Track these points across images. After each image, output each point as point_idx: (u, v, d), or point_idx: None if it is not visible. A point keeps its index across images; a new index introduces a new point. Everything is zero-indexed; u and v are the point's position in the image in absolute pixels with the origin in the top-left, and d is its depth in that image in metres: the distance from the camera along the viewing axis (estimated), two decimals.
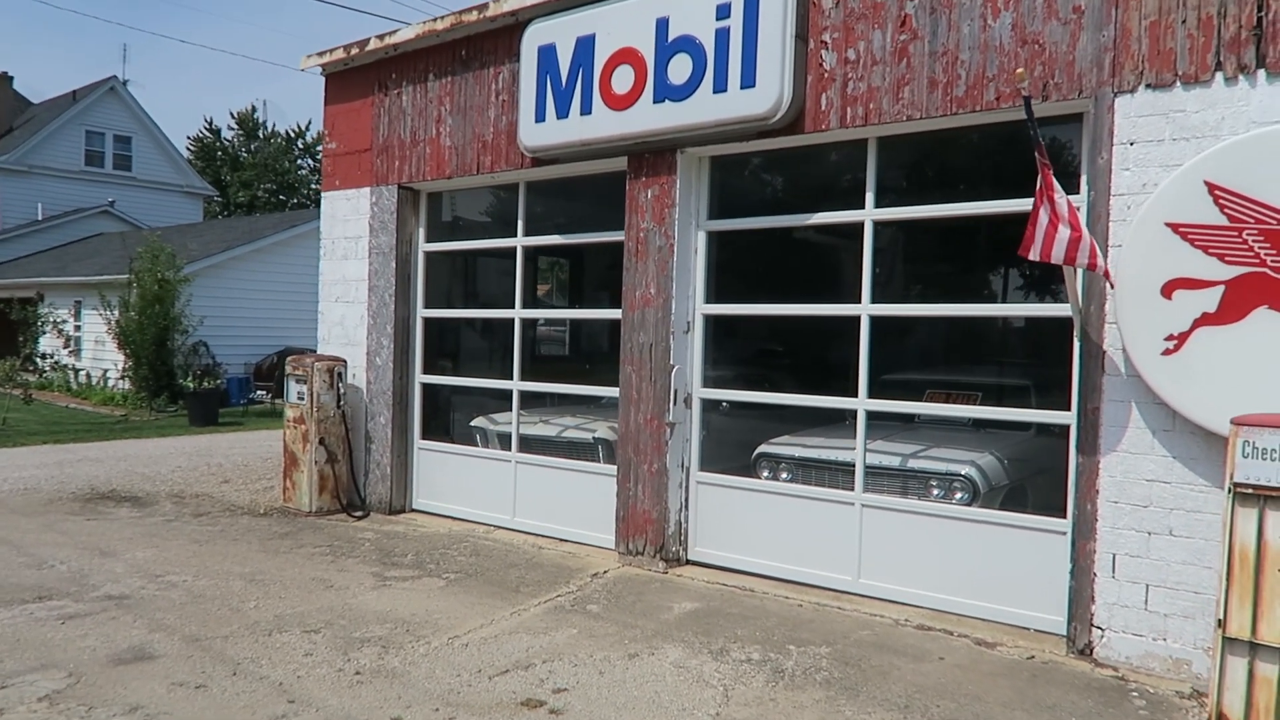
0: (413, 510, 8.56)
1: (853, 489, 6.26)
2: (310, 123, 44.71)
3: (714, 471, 6.80)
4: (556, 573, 6.51)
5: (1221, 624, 3.89)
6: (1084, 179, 5.12)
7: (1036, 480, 6.82)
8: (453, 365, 9.30)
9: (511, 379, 7.99)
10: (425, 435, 8.62)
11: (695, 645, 5.03)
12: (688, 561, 6.75)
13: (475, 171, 7.76)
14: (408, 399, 8.54)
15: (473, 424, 8.76)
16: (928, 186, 5.94)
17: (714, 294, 6.78)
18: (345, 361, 8.61)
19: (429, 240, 8.56)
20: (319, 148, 42.33)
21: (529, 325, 9.00)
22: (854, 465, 6.49)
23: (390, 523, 8.10)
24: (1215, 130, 4.59)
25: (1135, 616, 4.80)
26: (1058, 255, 4.50)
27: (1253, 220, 4.35)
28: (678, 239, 6.58)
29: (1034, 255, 4.56)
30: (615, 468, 7.15)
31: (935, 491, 6.27)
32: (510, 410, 8.60)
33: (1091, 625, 4.92)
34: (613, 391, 7.67)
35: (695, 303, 6.72)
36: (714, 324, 6.85)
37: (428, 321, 8.60)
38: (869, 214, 5.94)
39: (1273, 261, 4.30)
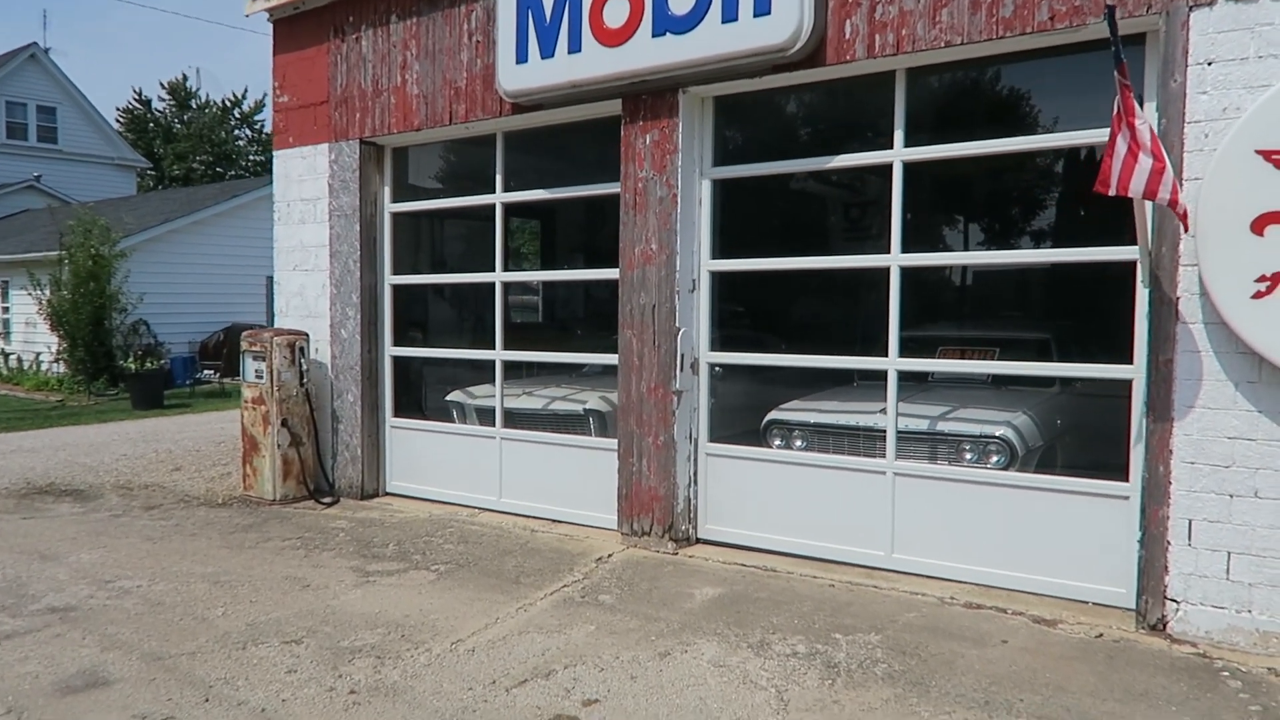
0: (387, 494, 7.89)
1: (881, 455, 5.75)
2: (246, 91, 42.94)
3: (724, 442, 6.24)
4: (557, 559, 5.92)
5: None
6: (1152, 106, 4.60)
7: (1065, 440, 6.40)
8: (425, 336, 8.60)
9: (493, 348, 7.32)
10: (398, 413, 7.93)
11: (730, 639, 4.48)
12: (698, 540, 6.21)
13: (447, 122, 7.04)
14: (378, 374, 7.84)
15: (449, 398, 8.10)
16: (965, 123, 5.38)
17: (720, 249, 6.18)
18: (307, 335, 7.86)
19: (396, 200, 7.82)
20: (258, 116, 40.75)
21: (510, 290, 8.33)
22: (877, 430, 5.99)
23: (364, 509, 7.43)
24: None
25: (1215, 587, 4.36)
26: (1137, 188, 3.97)
27: None
28: (681, 188, 5.95)
29: (1111, 189, 4.04)
30: (612, 441, 6.57)
31: (968, 455, 5.79)
32: (488, 383, 7.99)
33: (1165, 598, 4.47)
34: (600, 359, 7.09)
35: (700, 258, 6.12)
36: (720, 282, 6.25)
37: (397, 289, 7.88)
38: (898, 154, 5.37)
39: None
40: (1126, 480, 4.79)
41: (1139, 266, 4.64)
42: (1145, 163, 3.96)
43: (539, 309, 11.82)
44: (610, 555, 6.00)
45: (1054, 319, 7.60)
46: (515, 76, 6.43)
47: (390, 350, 7.86)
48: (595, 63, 5.99)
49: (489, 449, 7.30)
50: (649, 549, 6.11)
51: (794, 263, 6.31)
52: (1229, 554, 4.33)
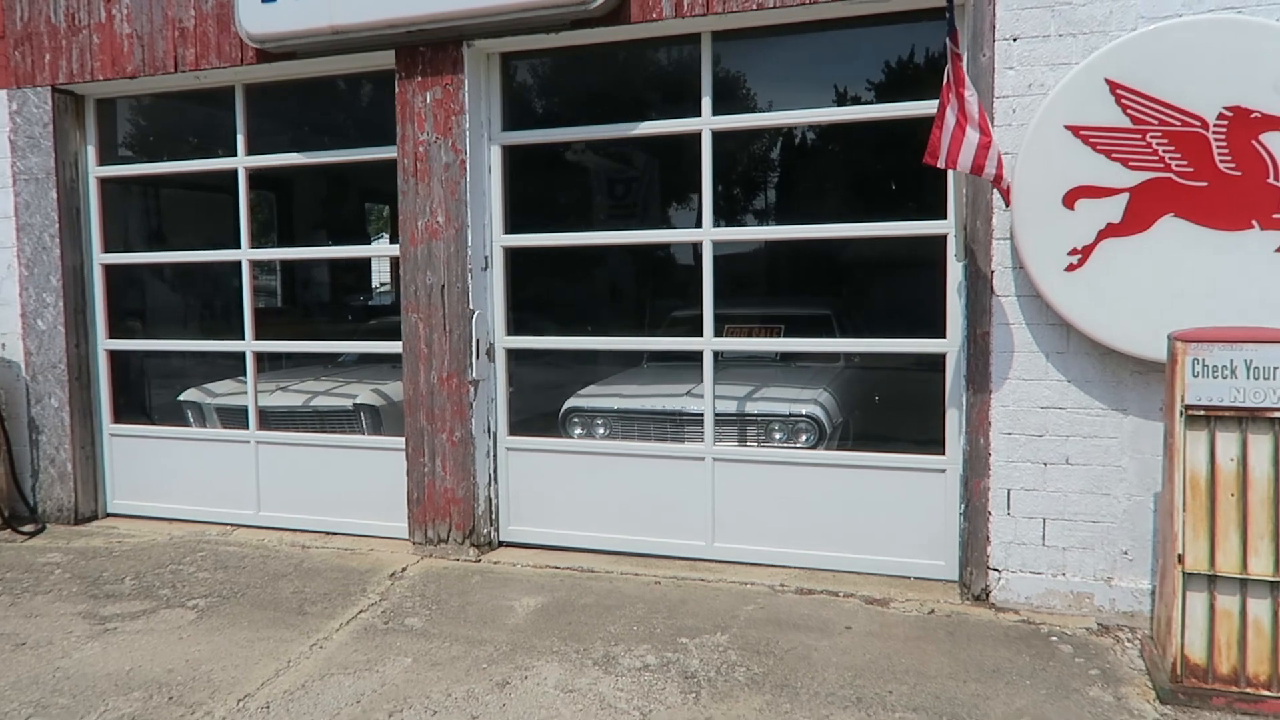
0: (110, 515, 6.61)
1: (694, 440, 5.51)
2: None
3: (525, 434, 5.73)
4: (343, 579, 5.15)
5: (1180, 560, 3.59)
6: None
7: (856, 415, 6.50)
8: (148, 326, 7.30)
9: (242, 338, 6.29)
10: (119, 418, 6.66)
11: (571, 656, 4.03)
12: (501, 544, 5.67)
13: (171, 69, 5.90)
14: (89, 373, 6.52)
15: (182, 398, 6.93)
16: (773, 90, 5.19)
17: (511, 223, 5.62)
18: None
19: (104, 163, 6.50)
20: None
21: (259, 271, 7.25)
22: (685, 414, 5.76)
23: (81, 535, 6.16)
24: (1104, 25, 4.24)
25: (1033, 554, 4.50)
26: (964, 162, 3.93)
27: (1156, 121, 4.04)
28: (470, 154, 5.33)
29: (940, 162, 3.98)
30: (392, 440, 5.89)
31: (778, 436, 5.69)
32: (228, 379, 6.96)
33: (988, 568, 4.57)
34: (375, 347, 6.32)
35: (492, 233, 5.54)
36: (512, 260, 5.70)
37: (110, 270, 6.57)
38: (706, 123, 5.09)
39: (1177, 166, 4.03)
40: (943, 454, 4.85)
41: (952, 240, 4.68)
42: (973, 136, 3.93)
43: (278, 293, 10.58)
44: (405, 569, 5.32)
45: (841, 295, 7.75)
46: (261, 17, 5.44)
47: (105, 343, 6.56)
48: (364, 6, 5.19)
49: (242, 455, 6.29)
50: (448, 558, 5.49)
51: (597, 237, 5.89)
52: (1044, 520, 4.48)
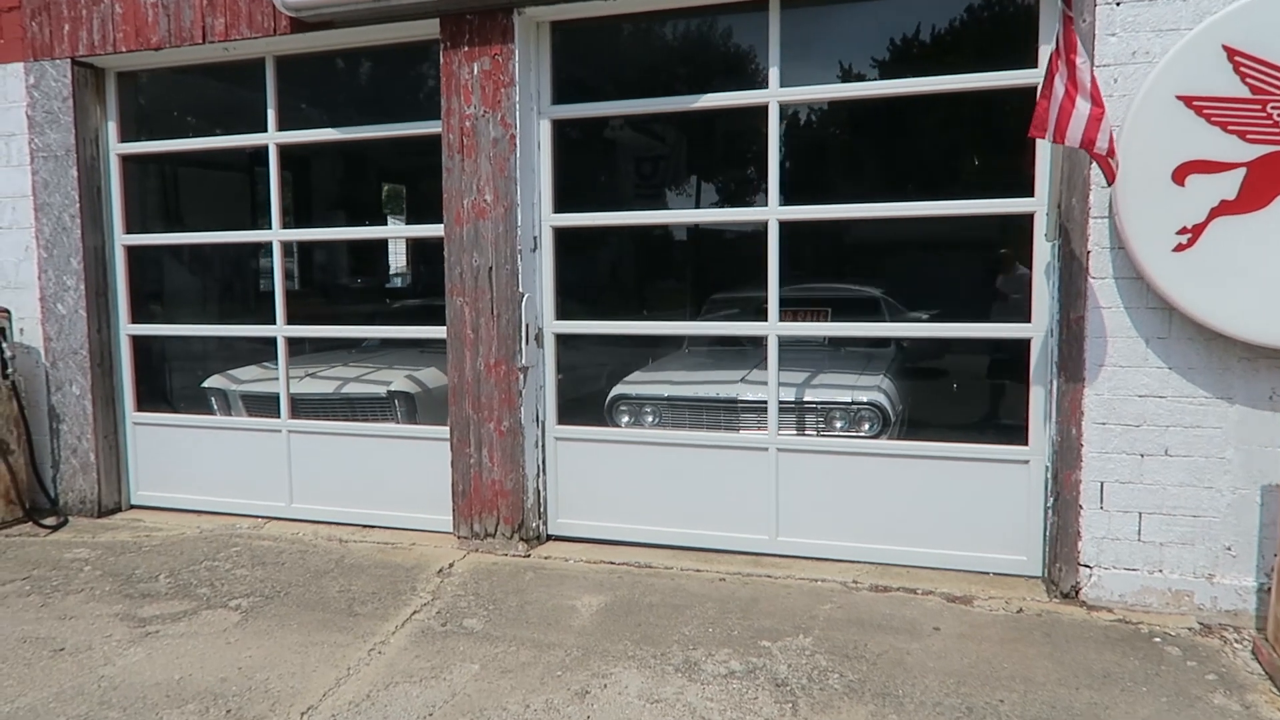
0: (135, 507, 6.34)
1: (754, 429, 5.28)
2: None
3: (573, 424, 5.47)
4: (389, 576, 4.90)
5: None
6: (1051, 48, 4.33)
7: (917, 403, 6.26)
8: (172, 310, 7.02)
9: (272, 322, 6.01)
10: (142, 406, 6.38)
11: (650, 662, 3.79)
12: (549, 537, 5.42)
13: (199, 40, 5.59)
14: (111, 359, 6.23)
15: (207, 385, 6.66)
16: (843, 61, 4.91)
17: (560, 201, 5.34)
18: (9, 313, 6.09)
19: (126, 139, 6.19)
20: None
21: (270, 254, 6.97)
22: (742, 401, 5.52)
23: (107, 529, 5.89)
24: None
25: (1127, 549, 4.26)
26: (1073, 137, 3.67)
27: (1278, 90, 3.77)
28: (520, 129, 5.04)
29: (1048, 135, 3.72)
30: (431, 429, 5.66)
31: (838, 425, 5.44)
32: (254, 365, 6.72)
33: (1078, 564, 4.33)
34: (418, 331, 6.04)
35: (541, 212, 5.25)
36: (561, 240, 5.42)
37: (132, 252, 6.27)
38: (774, 94, 4.81)
39: None
40: (1026, 444, 4.60)
41: (1039, 219, 4.41)
42: (1084, 107, 3.67)
43: (295, 275, 10.29)
44: (453, 565, 5.06)
45: (871, 277, 7.48)
46: None
47: (127, 328, 6.27)
48: None
49: (273, 445, 6.02)
50: (496, 553, 5.24)
51: (651, 216, 5.62)
52: (1140, 515, 4.24)
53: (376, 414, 6.32)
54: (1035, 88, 4.40)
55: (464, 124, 5.12)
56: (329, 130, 5.80)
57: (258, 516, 6.01)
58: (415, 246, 10.74)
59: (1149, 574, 4.24)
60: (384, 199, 11.04)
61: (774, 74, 4.80)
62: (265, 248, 5.94)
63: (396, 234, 5.30)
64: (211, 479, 6.16)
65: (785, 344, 6.50)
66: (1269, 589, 4.07)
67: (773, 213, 4.89)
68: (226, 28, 5.52)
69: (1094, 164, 4.12)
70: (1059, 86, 3.67)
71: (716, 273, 6.23)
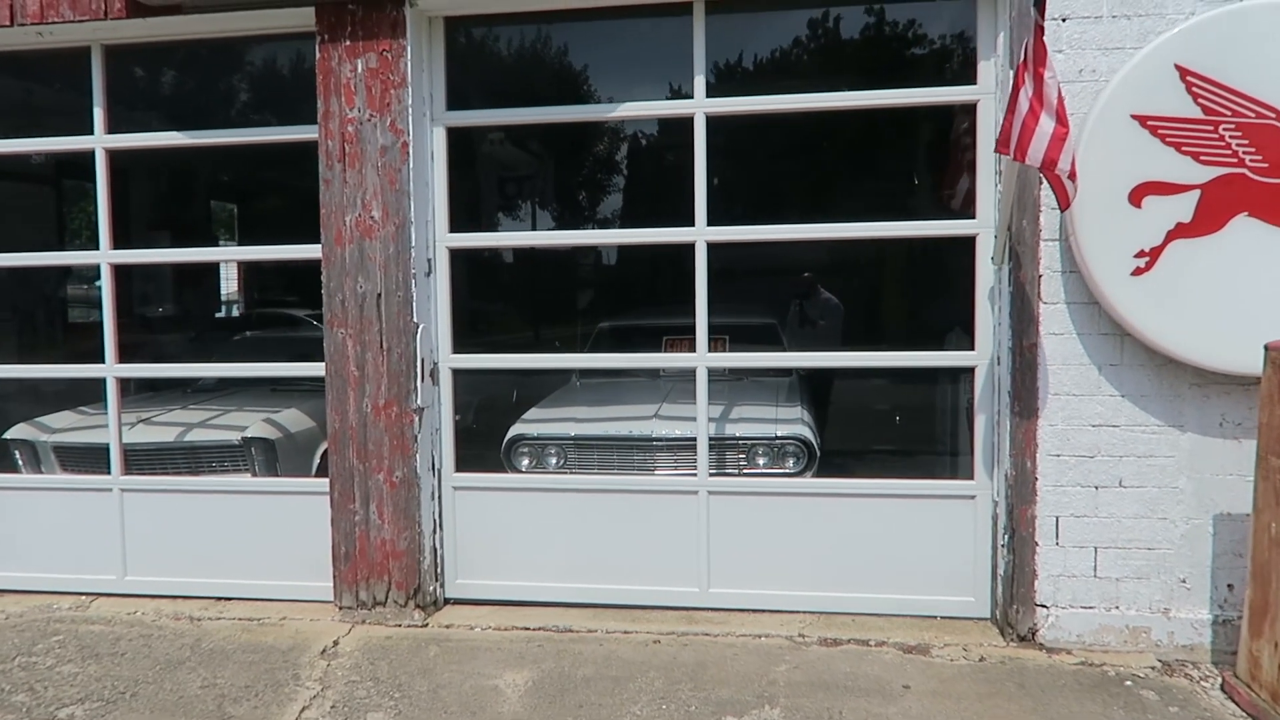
0: None
1: (664, 469, 4.85)
2: None
3: (473, 470, 4.84)
4: (262, 662, 4.10)
5: None
6: (994, 64, 4.14)
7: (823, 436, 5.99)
8: None
9: (102, 360, 5.05)
10: None
11: None
12: (447, 602, 4.76)
13: (7, 21, 4.64)
14: None
15: (9, 436, 5.59)
16: (772, 72, 4.58)
17: (455, 220, 4.73)
18: None
19: None
20: None
21: (73, 280, 5.96)
22: (657, 439, 5.06)
23: None
24: (1160, 7, 3.89)
25: (1084, 586, 4.08)
26: (1034, 156, 3.44)
27: (1230, 112, 3.71)
28: (412, 136, 4.41)
29: (1011, 152, 3.49)
30: (300, 481, 5.00)
31: (761, 462, 5.08)
32: (67, 411, 5.74)
33: (1035, 604, 4.11)
34: (251, 370, 5.25)
35: (436, 231, 4.63)
36: (456, 263, 4.79)
37: None
38: (700, 105, 4.41)
39: (1252, 161, 3.71)
40: (972, 479, 4.37)
41: (982, 242, 4.22)
42: (1047, 126, 3.44)
43: (100, 303, 9.02)
44: (338, 643, 4.32)
45: (767, 304, 7.21)
46: None
47: None
48: None
49: (102, 506, 5.03)
50: (388, 624, 4.52)
51: (561, 237, 5.08)
52: (1096, 549, 4.07)
53: (229, 465, 5.45)
54: (974, 104, 4.24)
55: (345, 129, 4.44)
56: (174, 134, 4.93)
57: (82, 594, 5.00)
58: (251, 270, 9.68)
59: (1106, 611, 4.07)
60: (215, 219, 9.88)
61: (699, 83, 4.41)
62: (116, 271, 4.99)
63: (265, 256, 4.54)
64: (19, 551, 5.09)
65: (671, 374, 6.15)
66: (1224, 621, 3.99)
67: (700, 233, 4.48)
68: (43, 7, 4.61)
69: (1044, 184, 3.95)
70: (1023, 101, 3.45)
71: (608, 299, 5.71)
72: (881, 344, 4.78)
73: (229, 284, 10.39)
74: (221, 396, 6.46)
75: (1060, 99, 3.47)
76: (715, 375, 6.00)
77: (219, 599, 4.88)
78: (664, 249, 4.76)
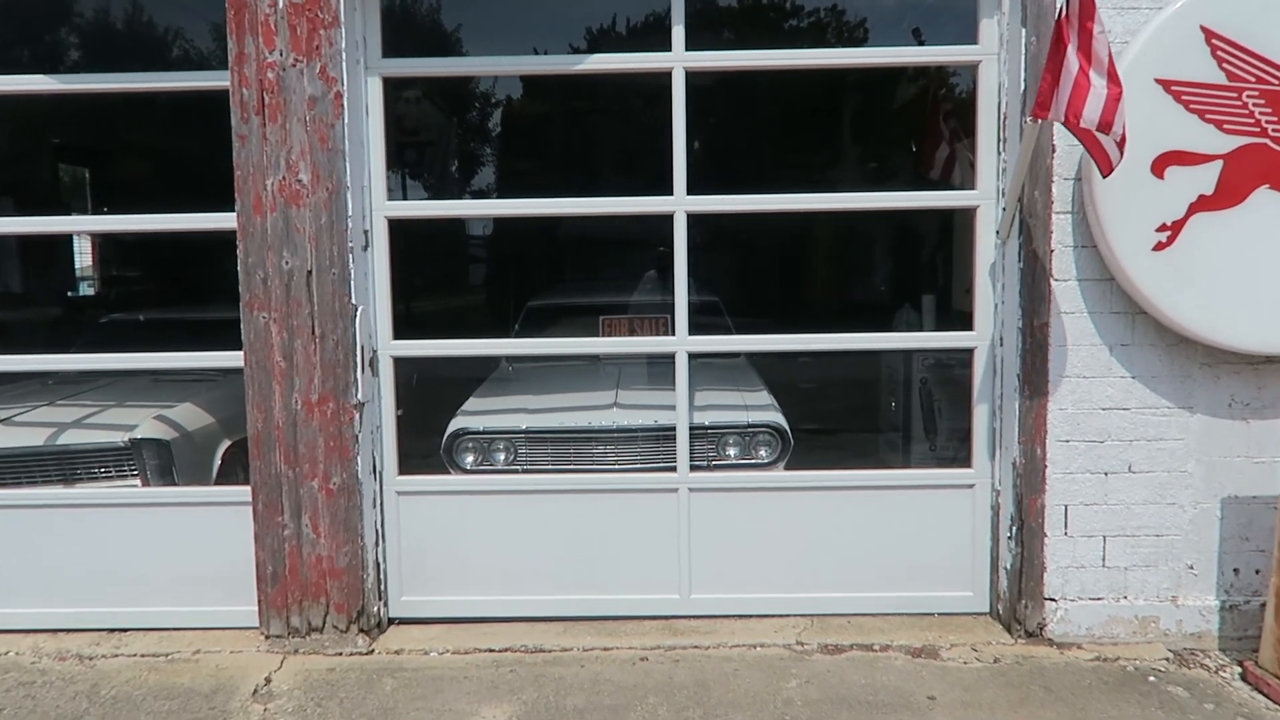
0: None
1: (625, 464, 4.43)
2: None
3: (419, 472, 4.26)
4: (182, 711, 3.44)
5: None
6: (1003, 20, 3.84)
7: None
8: None
9: None
10: None
11: None
12: (391, 622, 4.17)
13: None
14: None
15: None
16: (759, 25, 4.14)
17: (396, 185, 4.11)
18: None
19: None
20: None
21: None
22: (617, 430, 4.62)
23: None
24: None
25: (1092, 577, 3.89)
26: (1090, 118, 3.14)
27: (1253, 79, 3.52)
28: (346, 86, 3.76)
29: (1057, 116, 3.19)
30: (202, 491, 4.36)
31: (732, 453, 4.70)
32: None
33: (1043, 598, 3.89)
34: (184, 359, 4.47)
35: (372, 199, 4.00)
36: (394, 235, 4.17)
37: None
38: (679, 59, 3.94)
39: (1274, 131, 3.54)
40: (970, 467, 4.11)
41: (985, 215, 3.93)
42: (1100, 86, 3.16)
43: None
44: (270, 680, 3.69)
45: (705, 281, 6.82)
46: None
47: None
48: None
49: None
50: (327, 653, 3.91)
51: (515, 206, 4.51)
52: (1104, 538, 3.88)
53: (113, 471, 4.66)
54: (976, 65, 3.93)
55: (265, 75, 3.74)
56: (40, 77, 4.08)
57: None
58: (112, 244, 8.58)
59: (1115, 602, 3.89)
60: (62, 184, 8.63)
61: (678, 34, 3.93)
62: None
63: (168, 226, 3.79)
64: None
65: (613, 358, 5.70)
66: (1231, 606, 3.88)
67: (680, 203, 4.02)
68: None
69: (1056, 153, 3.70)
70: (1072, 58, 3.14)
71: (539, 276, 5.21)
72: (843, 321, 4.46)
73: (82, 258, 9.20)
74: (93, 390, 5.57)
75: (1110, 57, 3.17)
76: (657, 359, 5.60)
77: (113, 630, 4.14)
78: (600, 221, 4.28)
